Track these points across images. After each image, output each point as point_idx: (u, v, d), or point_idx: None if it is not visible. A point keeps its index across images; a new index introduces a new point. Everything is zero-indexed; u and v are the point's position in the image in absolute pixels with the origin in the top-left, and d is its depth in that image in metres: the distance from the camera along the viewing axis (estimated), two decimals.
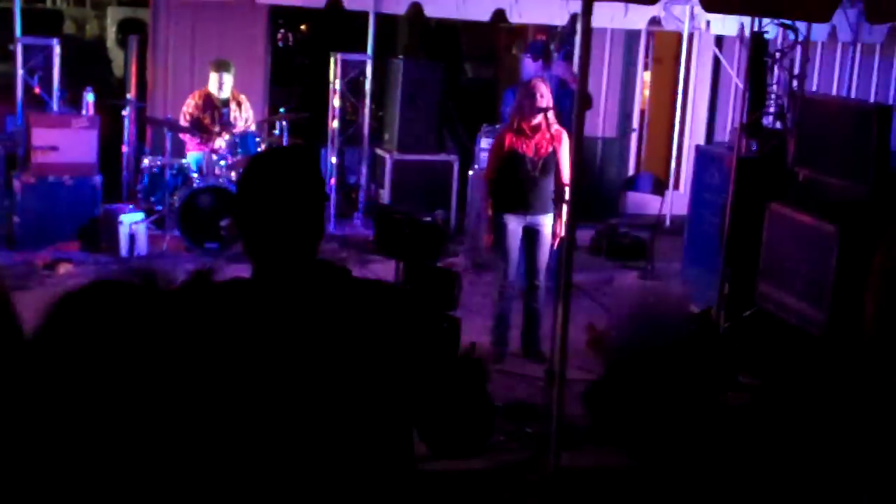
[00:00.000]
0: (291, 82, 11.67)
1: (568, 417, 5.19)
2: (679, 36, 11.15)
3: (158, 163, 9.06)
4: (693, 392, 5.65)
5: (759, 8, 6.07)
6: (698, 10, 9.44)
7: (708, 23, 10.65)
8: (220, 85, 9.20)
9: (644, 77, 11.61)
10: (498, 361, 6.55)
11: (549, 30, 10.24)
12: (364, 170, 10.29)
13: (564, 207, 6.22)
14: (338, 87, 10.09)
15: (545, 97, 6.37)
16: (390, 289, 2.32)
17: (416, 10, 9.81)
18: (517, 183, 6.49)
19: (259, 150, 8.90)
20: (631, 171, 11.34)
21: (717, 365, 6.04)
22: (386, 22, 10.31)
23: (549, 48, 9.08)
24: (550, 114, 6.37)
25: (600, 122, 11.21)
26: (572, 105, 8.19)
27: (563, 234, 6.02)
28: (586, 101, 8.96)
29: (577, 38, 8.47)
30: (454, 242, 9.00)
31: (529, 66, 8.97)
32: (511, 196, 6.53)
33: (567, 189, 6.10)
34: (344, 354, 2.16)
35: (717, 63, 11.51)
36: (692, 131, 11.55)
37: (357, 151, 10.38)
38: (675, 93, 11.41)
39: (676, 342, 6.04)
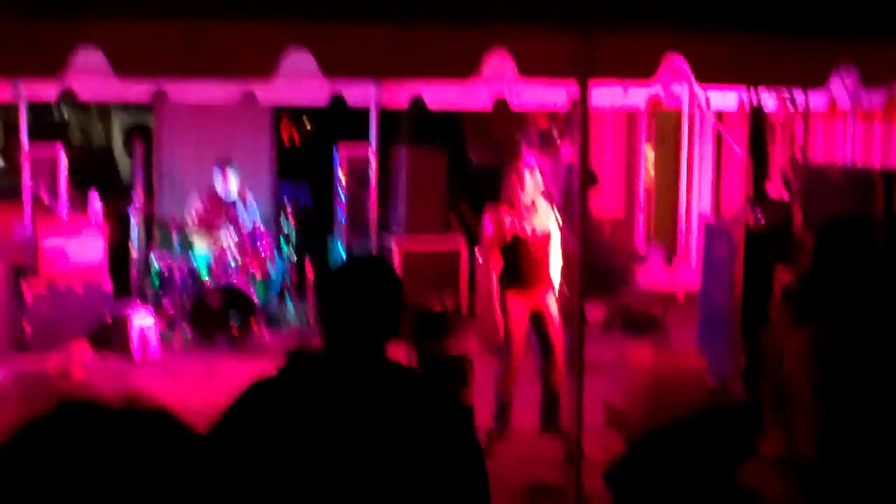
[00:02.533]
0: (297, 175, 11.55)
1: (588, 498, 5.14)
2: (680, 114, 11.14)
3: (167, 261, 9.13)
4: (714, 466, 5.53)
5: (752, 77, 6.06)
6: (697, 87, 9.91)
7: (707, 99, 10.62)
8: (226, 182, 9.34)
9: (647, 155, 11.66)
10: (499, 438, 6.51)
11: (551, 114, 10.28)
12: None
13: (557, 285, 6.40)
14: (342, 178, 10.16)
15: (526, 182, 6.42)
16: (442, 397, 2.52)
17: (417, 103, 9.86)
18: (519, 264, 6.47)
19: (268, 245, 9.14)
20: (640, 249, 11.21)
21: (738, 437, 5.93)
22: (389, 111, 10.17)
23: (549, 136, 9.28)
24: (538, 197, 6.45)
25: (606, 203, 11.10)
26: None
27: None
28: (591, 179, 8.99)
29: None
30: (465, 324, 8.68)
31: (531, 155, 9.21)
32: (514, 275, 6.49)
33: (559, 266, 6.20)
34: (382, 447, 2.34)
35: (719, 137, 11.55)
36: (699, 205, 11.54)
37: (365, 240, 10.14)
38: (680, 169, 11.37)
39: (695, 416, 5.93)
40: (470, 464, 2.43)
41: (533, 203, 6.50)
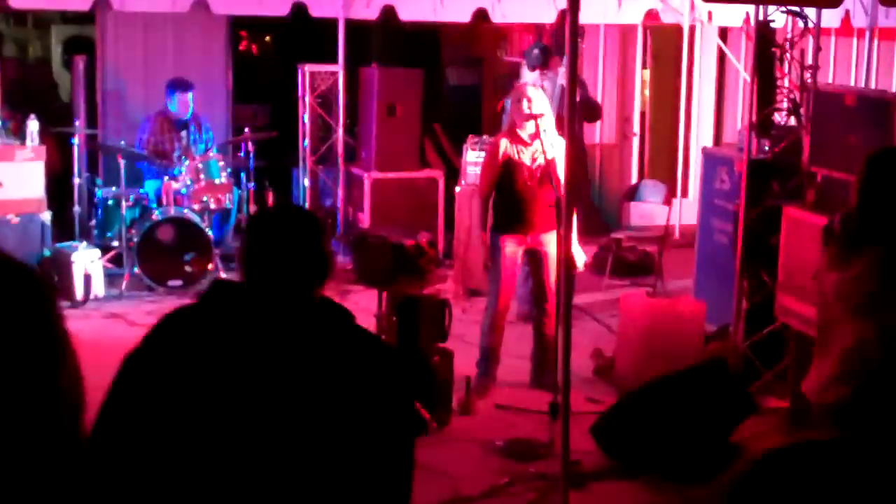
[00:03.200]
0: (257, 99, 11.50)
1: (576, 454, 5.13)
2: (679, 29, 10.99)
3: (113, 194, 8.98)
4: (711, 421, 5.57)
5: None
6: (699, 0, 9.92)
7: (710, 14, 10.53)
8: (179, 106, 9.20)
9: (643, 76, 11.48)
10: (482, 396, 6.51)
11: (536, 29, 10.26)
12: (340, 192, 10.09)
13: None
14: (307, 102, 10.00)
15: (533, 102, 6.39)
16: (379, 348, 2.58)
17: (389, 14, 9.71)
18: (515, 198, 6.49)
19: (224, 174, 8.92)
20: (633, 180, 11.26)
21: (737, 391, 5.95)
22: (357, 29, 10.22)
23: (547, 52, 8.96)
24: (543, 121, 6.35)
25: (598, 128, 11.08)
26: (582, 112, 8.36)
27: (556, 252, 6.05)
28: (593, 111, 9.04)
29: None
30: (443, 266, 8.60)
31: (528, 76, 8.92)
32: (509, 214, 6.52)
33: (559, 201, 6.03)
34: (307, 395, 2.41)
35: (721, 57, 11.47)
36: (698, 133, 11.47)
37: (332, 172, 10.23)
38: (678, 92, 11.26)
39: (691, 368, 5.95)
40: (387, 437, 2.45)
41: (537, 130, 6.36)
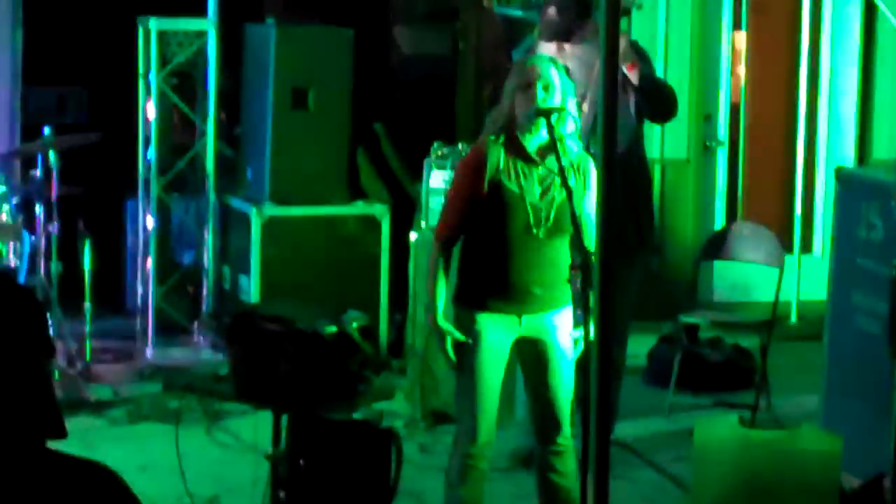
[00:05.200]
0: (64, 78, 10.73)
1: None
2: None
3: None
4: None
5: None
6: None
7: None
8: None
9: (736, 43, 10.97)
10: None
11: None
12: (209, 238, 9.38)
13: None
14: (154, 83, 9.15)
15: (551, 87, 6.22)
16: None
17: None
18: (504, 251, 6.32)
19: (5, 206, 8.73)
20: (718, 223, 10.78)
21: None
22: None
23: (575, 9, 8.31)
24: (563, 121, 6.29)
25: (658, 133, 10.30)
26: (644, 102, 8.26)
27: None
28: (664, 101, 8.61)
29: None
30: (387, 371, 8.87)
31: (542, 50, 8.23)
32: (492, 276, 6.33)
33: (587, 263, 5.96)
34: None
35: (870, 14, 10.81)
36: (830, 143, 11.03)
37: (195, 204, 9.57)
38: (795, 71, 10.75)
39: None
40: None
41: (553, 137, 6.10)
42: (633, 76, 7.12)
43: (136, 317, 9.57)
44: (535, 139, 6.28)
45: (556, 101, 6.22)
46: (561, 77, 6.33)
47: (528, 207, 6.34)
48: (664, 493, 7.69)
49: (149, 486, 6.14)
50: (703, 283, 10.25)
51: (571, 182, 6.20)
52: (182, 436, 6.55)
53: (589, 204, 6.25)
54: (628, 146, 7.95)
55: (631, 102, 7.82)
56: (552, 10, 8.31)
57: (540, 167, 6.34)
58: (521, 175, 6.36)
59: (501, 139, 6.34)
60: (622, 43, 7.24)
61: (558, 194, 6.29)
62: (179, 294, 10.01)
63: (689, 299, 9.77)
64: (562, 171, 6.13)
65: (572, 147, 6.34)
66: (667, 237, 10.70)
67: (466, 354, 6.39)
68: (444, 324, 6.41)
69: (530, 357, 6.48)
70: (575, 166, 6.31)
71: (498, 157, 6.35)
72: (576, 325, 6.41)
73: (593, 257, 5.12)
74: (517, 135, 6.31)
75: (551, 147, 6.14)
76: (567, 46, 8.14)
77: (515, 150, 6.34)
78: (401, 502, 6.19)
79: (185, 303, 9.93)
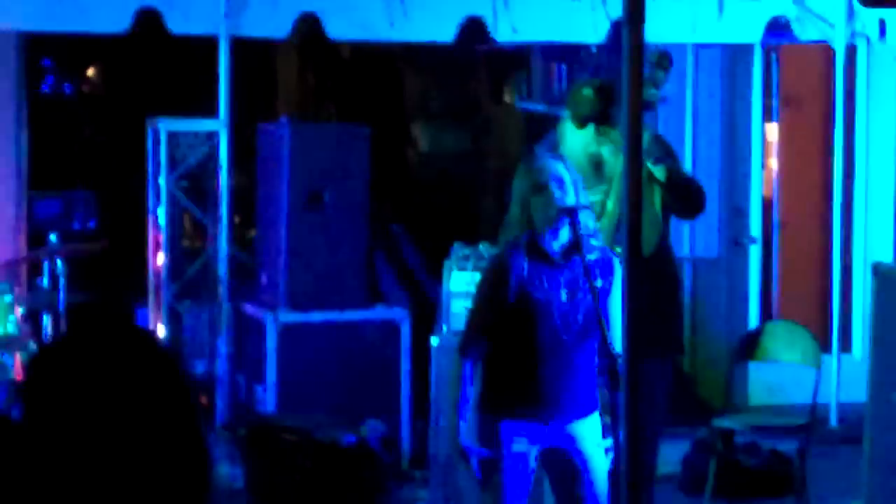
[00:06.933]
0: (71, 182, 10.67)
1: None
2: (829, 53, 10.43)
3: None
4: None
5: None
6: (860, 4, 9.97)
7: (883, 24, 9.90)
8: None
9: (767, 134, 10.88)
10: None
11: (570, 53, 10.40)
12: (223, 348, 9.39)
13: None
14: (164, 186, 9.17)
15: (566, 185, 6.34)
16: None
17: (308, 29, 9.34)
18: (532, 359, 6.35)
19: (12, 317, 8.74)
20: (752, 323, 10.61)
21: None
22: (253, 56, 9.87)
23: (608, 94, 8.20)
24: (586, 219, 6.44)
25: (687, 229, 10.16)
26: (673, 198, 8.16)
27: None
28: (691, 198, 8.47)
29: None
30: (409, 483, 8.97)
31: (571, 137, 8.20)
32: (519, 385, 6.40)
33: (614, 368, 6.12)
34: None
35: None
36: (868, 238, 10.93)
37: (207, 312, 9.56)
38: (829, 162, 10.55)
39: None
40: None
41: (577, 237, 6.22)
42: (659, 172, 7.20)
43: None
44: (557, 241, 6.31)
45: (574, 197, 6.25)
46: (571, 172, 6.38)
47: (556, 313, 6.40)
48: None
49: None
50: (738, 385, 10.32)
51: (596, 283, 6.25)
52: None
53: (616, 305, 6.18)
54: (656, 244, 8.12)
55: (657, 199, 7.86)
56: (588, 92, 8.36)
57: (564, 269, 6.38)
58: (545, 279, 6.42)
59: (522, 245, 6.36)
60: (645, 137, 7.31)
61: (585, 296, 6.32)
62: None
63: (724, 402, 9.84)
64: (587, 271, 6.18)
65: (594, 245, 6.37)
66: (698, 338, 10.69)
67: (491, 469, 6.41)
68: (468, 443, 6.42)
69: (558, 468, 6.49)
70: (599, 266, 6.33)
71: (521, 265, 6.39)
72: (605, 434, 6.39)
73: (620, 360, 5.47)
74: (537, 239, 6.37)
75: (574, 247, 6.21)
76: (602, 129, 8.19)
77: (538, 254, 6.37)
78: None
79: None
